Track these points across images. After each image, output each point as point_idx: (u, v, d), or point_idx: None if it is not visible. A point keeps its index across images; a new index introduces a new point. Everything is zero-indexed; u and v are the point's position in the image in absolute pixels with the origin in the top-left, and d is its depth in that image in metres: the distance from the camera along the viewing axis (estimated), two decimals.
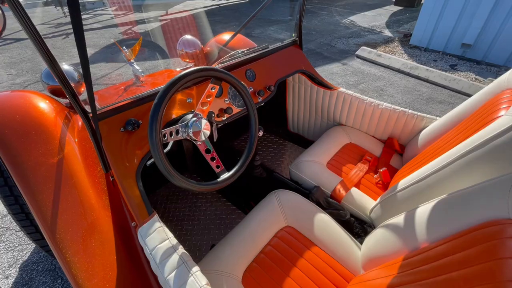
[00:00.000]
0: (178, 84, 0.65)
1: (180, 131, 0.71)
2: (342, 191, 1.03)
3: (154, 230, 0.67)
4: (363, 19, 6.26)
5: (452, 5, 3.61)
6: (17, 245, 1.37)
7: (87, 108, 0.67)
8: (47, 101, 0.90)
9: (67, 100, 1.00)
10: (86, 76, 0.58)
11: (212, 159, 0.78)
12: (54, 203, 0.79)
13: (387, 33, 5.13)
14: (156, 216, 0.71)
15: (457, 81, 2.98)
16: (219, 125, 0.95)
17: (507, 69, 3.45)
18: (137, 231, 0.69)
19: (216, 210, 1.38)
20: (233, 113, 0.99)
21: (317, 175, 1.10)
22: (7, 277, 1.22)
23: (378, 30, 5.37)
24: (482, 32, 3.45)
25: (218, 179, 0.75)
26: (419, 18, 4.06)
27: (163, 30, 4.96)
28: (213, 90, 0.75)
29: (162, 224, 0.69)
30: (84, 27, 0.73)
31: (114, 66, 3.52)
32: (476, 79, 3.16)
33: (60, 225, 0.78)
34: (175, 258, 0.63)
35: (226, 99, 0.99)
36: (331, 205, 1.02)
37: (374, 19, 6.25)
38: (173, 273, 0.61)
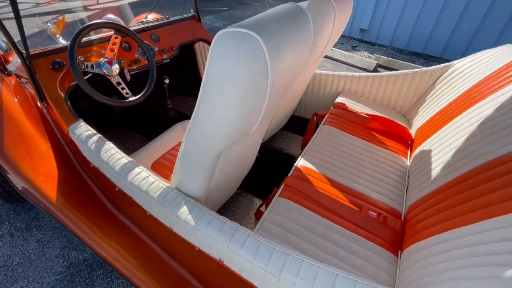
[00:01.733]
0: (85, 30, 0.99)
1: (94, 66, 1.06)
2: None
3: (82, 128, 1.00)
4: None
5: None
6: None
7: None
8: None
9: None
10: (17, 16, 0.87)
11: (122, 89, 1.14)
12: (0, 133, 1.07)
13: None
14: (82, 121, 1.04)
15: (352, 57, 3.75)
16: (131, 72, 1.30)
17: (393, 48, 4.39)
18: (69, 130, 1.01)
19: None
20: (141, 64, 1.35)
21: None
22: None
23: None
24: (372, 19, 4.31)
25: (126, 100, 1.12)
26: None
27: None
28: (116, 40, 1.10)
29: (88, 126, 1.02)
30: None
31: None
32: (369, 56, 3.98)
33: (6, 146, 1.06)
34: (107, 147, 0.95)
35: (136, 54, 1.34)
36: None
37: None
38: (107, 158, 0.92)
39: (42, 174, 1.05)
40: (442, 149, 0.93)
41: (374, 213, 0.85)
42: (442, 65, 1.28)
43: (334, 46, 4.24)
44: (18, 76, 1.44)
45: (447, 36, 3.72)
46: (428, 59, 4.05)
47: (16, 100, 1.18)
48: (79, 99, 1.24)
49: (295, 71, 0.70)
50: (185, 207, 0.70)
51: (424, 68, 1.33)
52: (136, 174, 0.81)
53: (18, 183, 1.10)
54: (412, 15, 3.91)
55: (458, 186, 0.72)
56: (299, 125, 1.67)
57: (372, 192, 0.96)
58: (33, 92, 1.21)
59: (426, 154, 1.00)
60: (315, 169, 1.02)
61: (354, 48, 4.31)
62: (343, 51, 3.94)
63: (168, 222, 0.76)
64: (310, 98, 1.66)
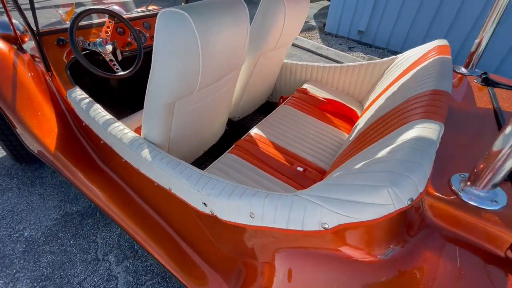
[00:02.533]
0: (83, 14, 1.22)
1: (91, 44, 1.29)
2: None
3: (77, 92, 1.23)
4: None
5: None
6: None
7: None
8: (3, 41, 1.42)
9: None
10: (30, 1, 1.11)
11: (114, 65, 1.37)
12: (13, 97, 1.31)
13: (312, 22, 6.03)
14: (78, 87, 1.27)
15: (345, 57, 3.91)
16: (123, 53, 1.53)
17: (389, 51, 4.52)
18: (67, 94, 1.24)
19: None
20: (132, 47, 1.57)
21: None
22: None
23: (306, 20, 6.25)
24: (370, 21, 4.45)
25: (116, 74, 1.35)
26: (329, 9, 4.97)
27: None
28: (110, 24, 1.33)
29: (82, 92, 1.25)
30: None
31: None
32: (362, 57, 4.13)
33: (18, 106, 1.30)
34: (95, 107, 1.17)
35: (129, 38, 1.57)
36: None
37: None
38: (99, 118, 1.14)
39: (45, 132, 1.29)
40: (366, 119, 1.12)
41: (301, 168, 1.04)
42: (390, 57, 1.46)
43: (331, 46, 4.41)
44: (32, 56, 1.68)
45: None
46: None
47: (28, 73, 1.42)
48: (79, 74, 1.47)
49: (234, 49, 0.91)
50: (147, 150, 0.91)
51: (378, 60, 1.52)
52: (114, 127, 1.03)
53: (27, 139, 1.34)
54: (407, 19, 4.05)
55: (358, 138, 0.92)
56: (272, 109, 1.87)
57: (307, 155, 1.15)
58: (42, 68, 1.45)
59: (356, 126, 1.19)
60: (265, 136, 1.22)
61: (350, 49, 4.46)
62: (338, 51, 4.10)
63: (136, 163, 0.97)
64: (282, 85, 1.86)
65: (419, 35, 4.01)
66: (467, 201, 0.55)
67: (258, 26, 1.23)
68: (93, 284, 1.23)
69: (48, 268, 1.28)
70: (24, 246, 1.36)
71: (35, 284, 1.22)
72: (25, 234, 1.41)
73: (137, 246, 1.39)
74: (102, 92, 1.69)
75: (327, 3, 8.25)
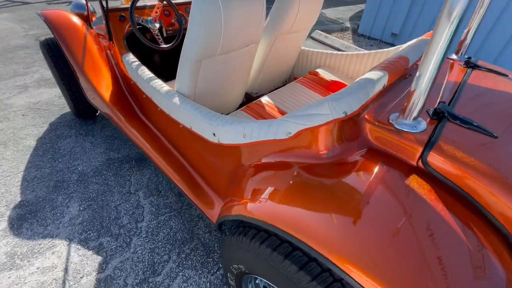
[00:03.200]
0: None
1: (144, 21, 1.62)
2: None
3: (130, 56, 1.56)
4: (333, 12, 7.18)
5: (386, 0, 4.58)
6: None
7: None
8: (78, 18, 1.82)
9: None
10: None
11: (159, 39, 1.69)
12: (82, 60, 1.69)
13: (347, 24, 6.08)
14: (131, 53, 1.60)
15: None
16: (168, 31, 1.85)
17: None
18: (122, 57, 1.58)
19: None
20: (175, 27, 1.89)
21: None
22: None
23: (341, 21, 6.31)
24: (404, 24, 4.43)
25: (160, 46, 1.66)
26: (364, 11, 5.01)
27: None
28: (161, 6, 1.65)
29: (134, 56, 1.58)
30: None
31: None
32: None
33: (86, 68, 1.68)
34: (142, 68, 1.50)
35: (173, 19, 1.89)
36: None
37: (343, 13, 7.18)
38: (149, 83, 1.47)
39: (103, 88, 1.65)
40: None
41: None
42: (395, 47, 1.59)
43: (361, 47, 4.48)
44: (98, 34, 2.08)
45: (478, 44, 3.73)
46: None
47: (94, 44, 1.80)
48: (133, 44, 1.82)
49: (251, 25, 1.15)
50: (177, 98, 1.19)
51: (385, 49, 1.66)
52: (155, 82, 1.32)
53: (89, 94, 1.71)
54: None
55: None
56: None
57: None
58: (105, 43, 1.82)
59: None
60: (272, 103, 1.45)
61: None
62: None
63: (168, 109, 1.26)
64: (299, 71, 2.06)
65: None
66: (396, 126, 0.72)
67: (276, 9, 1.45)
68: (125, 209, 1.55)
69: (94, 193, 1.63)
70: (77, 176, 1.73)
71: (84, 202, 1.57)
72: (79, 168, 1.79)
73: (161, 187, 1.69)
74: (147, 60, 2.04)
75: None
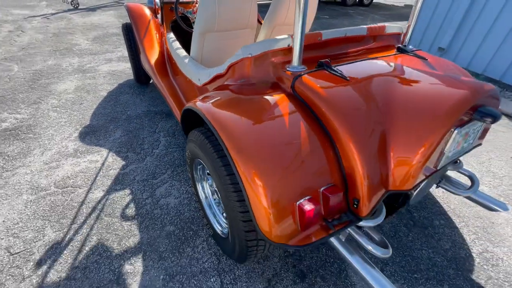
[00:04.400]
0: None
1: (185, 12, 2.26)
2: None
3: (171, 35, 2.20)
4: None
5: (438, 14, 4.51)
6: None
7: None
8: (149, 10, 2.58)
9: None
10: None
11: (186, 21, 2.31)
12: (143, 37, 2.42)
13: None
14: (172, 32, 2.25)
15: None
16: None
17: (469, 72, 4.22)
18: (166, 35, 2.24)
19: None
20: None
21: None
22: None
23: None
24: (453, 39, 4.29)
25: (192, 30, 2.27)
26: (414, 25, 4.97)
27: None
28: (197, 2, 2.27)
29: (173, 35, 2.22)
30: None
31: None
32: None
33: (144, 43, 2.40)
34: (176, 42, 2.13)
35: None
36: None
37: (399, 28, 7.04)
38: (181, 54, 2.10)
39: (152, 57, 2.34)
40: None
41: None
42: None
43: None
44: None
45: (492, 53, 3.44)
46: (505, 88, 3.79)
47: (154, 28, 2.53)
48: (176, 28, 2.49)
49: (242, 10, 1.63)
50: (188, 59, 1.75)
51: None
52: (181, 52, 1.91)
53: (143, 61, 2.42)
54: (495, 41, 3.77)
55: None
56: None
57: None
58: (161, 29, 2.53)
59: None
60: None
61: None
62: None
63: (184, 71, 1.83)
64: None
65: (506, 59, 3.68)
66: (287, 69, 1.10)
67: (273, 0, 1.89)
68: (149, 141, 2.18)
69: (132, 128, 2.31)
70: (125, 117, 2.46)
71: (124, 132, 2.26)
72: (128, 112, 2.52)
73: (176, 133, 2.28)
74: (185, 39, 2.70)
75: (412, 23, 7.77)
